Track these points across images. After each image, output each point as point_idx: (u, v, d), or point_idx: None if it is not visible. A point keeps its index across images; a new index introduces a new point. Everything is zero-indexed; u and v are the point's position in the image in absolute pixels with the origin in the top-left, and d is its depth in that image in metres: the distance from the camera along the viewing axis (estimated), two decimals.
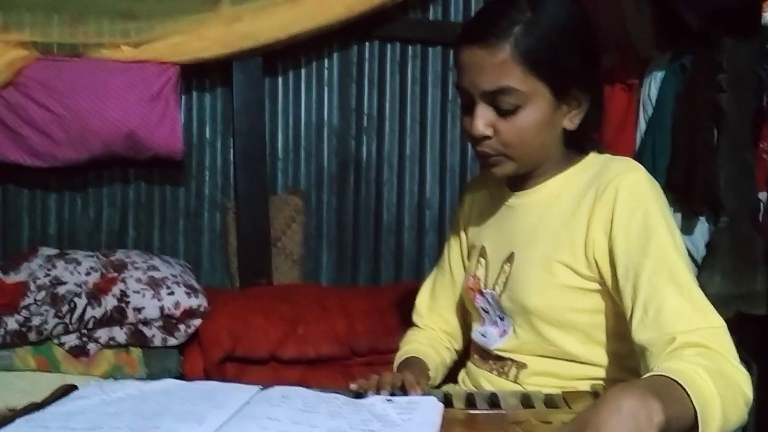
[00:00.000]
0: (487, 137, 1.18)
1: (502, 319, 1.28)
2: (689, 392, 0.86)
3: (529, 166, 1.23)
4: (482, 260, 1.33)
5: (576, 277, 1.18)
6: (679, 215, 2.10)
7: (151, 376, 1.94)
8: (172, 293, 1.97)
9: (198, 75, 2.43)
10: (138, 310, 1.93)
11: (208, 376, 1.93)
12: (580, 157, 1.26)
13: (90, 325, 1.91)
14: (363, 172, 2.61)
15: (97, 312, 1.91)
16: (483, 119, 1.17)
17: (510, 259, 1.26)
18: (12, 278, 1.96)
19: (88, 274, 1.99)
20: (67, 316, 1.89)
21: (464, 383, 1.38)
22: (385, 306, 2.14)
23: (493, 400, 1.06)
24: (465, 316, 1.46)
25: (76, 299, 1.91)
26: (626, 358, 1.18)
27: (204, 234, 2.52)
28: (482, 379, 1.31)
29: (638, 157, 2.17)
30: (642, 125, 2.19)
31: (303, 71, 2.55)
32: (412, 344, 1.43)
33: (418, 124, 2.64)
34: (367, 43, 2.58)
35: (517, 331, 1.25)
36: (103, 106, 2.20)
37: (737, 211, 2.01)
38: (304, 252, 2.56)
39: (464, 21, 2.53)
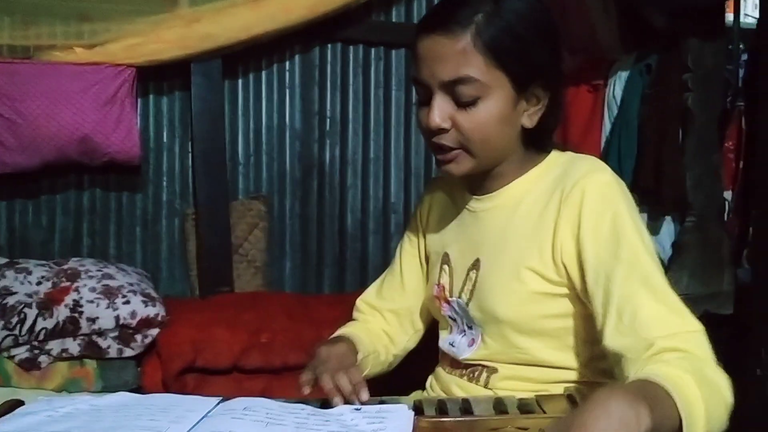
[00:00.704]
0: (445, 130, 1.13)
1: (470, 327, 1.25)
2: (674, 397, 0.84)
3: (487, 163, 1.18)
4: (446, 267, 1.29)
5: (545, 283, 1.15)
6: (645, 215, 2.11)
7: (108, 389, 1.89)
8: (128, 302, 1.91)
9: (155, 77, 2.37)
10: (92, 320, 1.87)
11: (167, 388, 1.88)
12: (541, 156, 1.22)
13: (41, 337, 1.85)
14: (326, 177, 2.58)
15: (49, 323, 1.85)
16: (440, 110, 1.12)
17: (476, 265, 1.23)
18: None
19: (39, 283, 1.94)
20: (17, 328, 1.83)
21: (433, 389, 1.34)
22: (351, 313, 2.10)
23: (466, 407, 1.03)
24: (416, 322, 1.42)
25: (26, 310, 1.85)
26: (598, 360, 1.16)
27: (162, 241, 2.46)
28: (453, 385, 1.27)
29: (604, 158, 2.17)
30: (607, 126, 2.20)
31: (264, 73, 2.51)
32: (346, 328, 1.39)
33: (381, 128, 2.63)
34: (329, 45, 2.56)
35: (486, 340, 1.22)
36: (57, 111, 2.15)
37: (704, 210, 2.02)
38: (267, 259, 2.51)
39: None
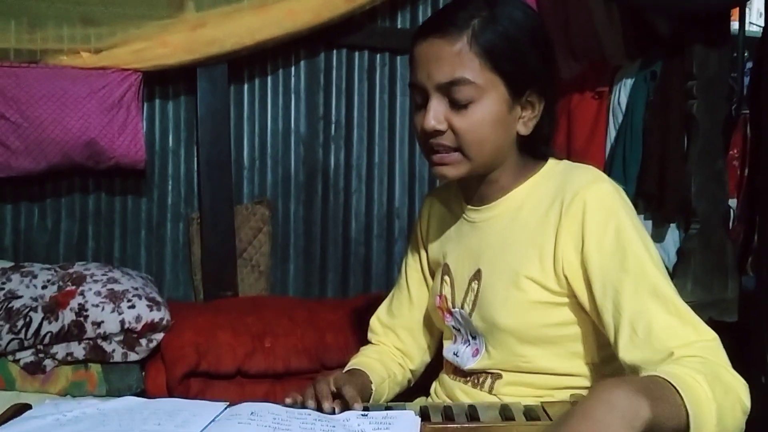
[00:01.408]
0: (440, 132, 1.14)
1: (474, 337, 1.25)
2: (682, 394, 0.85)
3: (482, 167, 1.18)
4: (447, 278, 1.30)
5: (545, 292, 1.15)
6: (649, 222, 2.10)
7: (112, 393, 1.88)
8: (133, 306, 1.91)
9: (161, 82, 2.38)
10: (97, 324, 1.86)
11: (171, 392, 1.88)
12: (538, 165, 1.22)
13: (46, 341, 1.84)
14: (331, 181, 2.58)
15: (54, 327, 1.84)
16: (436, 112, 1.13)
17: (477, 276, 1.23)
18: None
19: (44, 287, 1.93)
20: (23, 331, 1.82)
21: (437, 395, 1.34)
22: (355, 318, 2.10)
23: (472, 413, 1.03)
24: (429, 334, 1.43)
25: (31, 313, 1.84)
26: (602, 366, 1.17)
27: (167, 245, 2.46)
28: (457, 390, 1.27)
29: (609, 164, 2.17)
30: (612, 132, 2.19)
31: (269, 78, 2.51)
32: (358, 358, 1.39)
33: (386, 132, 2.63)
34: (335, 51, 2.57)
35: (489, 350, 1.22)
36: (63, 114, 2.15)
37: (708, 217, 2.01)
38: (271, 263, 2.51)
39: None
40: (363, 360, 1.37)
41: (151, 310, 1.92)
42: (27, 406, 1.01)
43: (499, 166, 1.20)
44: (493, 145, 1.15)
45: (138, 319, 1.89)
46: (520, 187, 1.21)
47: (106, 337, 1.88)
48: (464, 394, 1.25)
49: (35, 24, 2.20)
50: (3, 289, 1.89)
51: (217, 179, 2.39)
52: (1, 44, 2.17)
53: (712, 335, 1.02)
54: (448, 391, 1.30)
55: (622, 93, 2.15)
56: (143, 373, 1.95)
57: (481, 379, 1.24)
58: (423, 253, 1.41)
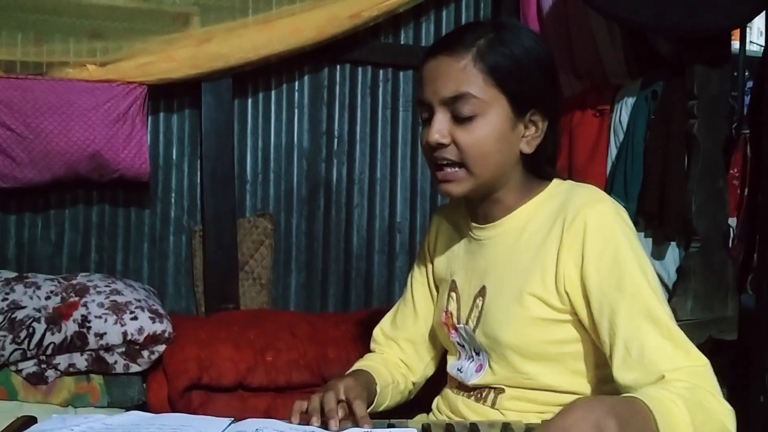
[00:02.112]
0: (444, 145, 1.17)
1: (477, 353, 1.27)
2: (656, 417, 0.89)
3: (485, 183, 1.20)
4: (453, 294, 1.32)
5: (547, 309, 1.17)
6: (650, 240, 2.11)
7: (113, 405, 1.89)
8: (135, 318, 1.91)
9: (166, 96, 2.39)
10: (100, 335, 1.87)
11: (172, 405, 1.88)
12: (542, 185, 1.25)
13: (49, 352, 1.84)
14: (333, 196, 2.59)
15: (57, 338, 1.85)
16: (440, 126, 1.17)
17: (482, 292, 1.25)
18: None
19: (47, 298, 1.93)
20: (25, 342, 1.82)
21: (439, 410, 1.35)
22: (356, 332, 2.11)
23: (473, 431, 1.03)
24: (432, 349, 1.45)
25: (34, 324, 1.84)
26: (603, 384, 1.18)
27: (169, 258, 2.46)
28: (460, 404, 1.29)
29: (610, 182, 2.18)
30: (613, 150, 2.21)
31: (273, 93, 2.53)
32: (364, 361, 1.41)
33: (388, 148, 2.64)
34: (338, 66, 2.58)
35: (493, 366, 1.24)
36: (68, 127, 2.15)
37: (709, 236, 2.03)
38: (273, 276, 2.52)
39: None
40: (369, 363, 1.39)
41: (153, 322, 1.92)
42: (33, 420, 1.02)
43: (503, 185, 1.22)
44: (495, 161, 1.18)
45: (140, 331, 1.89)
46: (524, 206, 1.23)
47: (108, 349, 1.88)
48: (467, 408, 1.27)
49: (42, 37, 2.21)
50: (6, 299, 1.89)
51: (220, 192, 2.40)
52: (8, 57, 2.18)
53: (703, 360, 1.04)
54: (452, 405, 1.31)
55: (623, 112, 2.17)
56: (145, 385, 1.95)
57: (484, 394, 1.25)
58: (429, 268, 1.43)
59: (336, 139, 2.59)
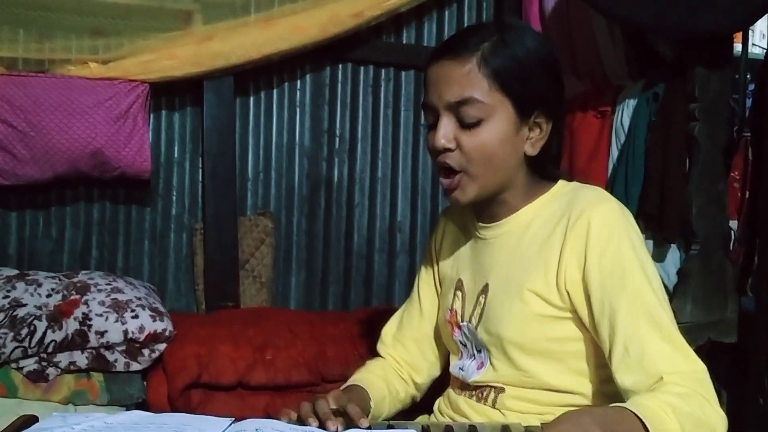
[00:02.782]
0: (449, 149, 1.18)
1: (479, 351, 1.28)
2: (647, 425, 0.91)
3: (490, 187, 1.21)
4: (459, 293, 1.33)
5: (548, 306, 1.17)
6: (650, 242, 2.11)
7: (113, 403, 1.89)
8: (136, 317, 1.91)
9: (168, 93, 2.39)
10: (101, 333, 1.87)
11: (172, 403, 1.88)
12: (547, 185, 1.26)
13: (50, 349, 1.85)
14: (334, 194, 2.60)
15: (58, 335, 1.85)
16: (445, 131, 1.17)
17: (485, 290, 1.26)
18: None
19: (49, 296, 1.94)
20: (26, 340, 1.83)
21: (441, 411, 1.36)
22: (356, 331, 2.11)
23: None
24: (438, 349, 1.45)
25: (35, 322, 1.85)
26: (603, 385, 1.19)
27: (170, 256, 2.47)
28: (462, 403, 1.30)
29: (611, 184, 2.18)
30: (614, 152, 2.21)
31: (275, 92, 2.53)
32: (361, 373, 1.41)
33: (390, 147, 2.65)
34: (340, 65, 2.58)
35: (493, 363, 1.24)
36: (69, 124, 2.16)
37: (709, 239, 2.03)
38: (273, 275, 2.53)
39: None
40: (364, 376, 1.38)
41: (154, 321, 1.92)
42: (34, 418, 1.02)
43: (508, 187, 1.23)
44: (499, 164, 1.19)
45: (141, 329, 1.89)
46: (529, 206, 1.25)
47: (109, 347, 1.89)
48: (469, 407, 1.28)
49: (44, 34, 2.22)
50: (8, 297, 1.90)
51: (221, 191, 2.41)
52: (10, 53, 2.19)
53: (701, 366, 1.06)
54: (453, 404, 1.32)
55: (625, 113, 2.17)
56: (145, 383, 1.95)
57: (485, 393, 1.26)
58: (436, 268, 1.44)
59: (337, 138, 2.60)
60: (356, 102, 2.61)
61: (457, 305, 1.32)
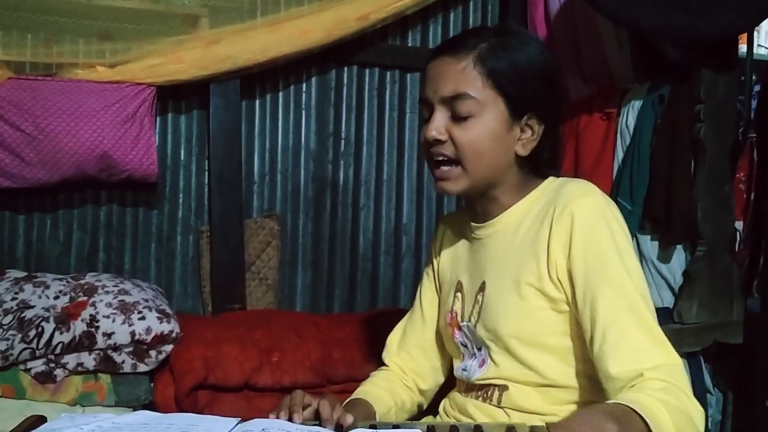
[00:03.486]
0: (440, 141, 1.21)
1: (479, 349, 1.30)
2: (648, 422, 0.95)
3: (480, 181, 1.23)
4: (459, 294, 1.35)
5: (544, 298, 1.20)
6: (656, 243, 2.12)
7: (120, 404, 1.90)
8: (143, 318, 1.92)
9: (174, 97, 2.40)
10: (108, 335, 1.88)
11: (179, 405, 1.89)
12: (537, 182, 1.29)
13: (58, 351, 1.86)
14: (340, 197, 2.61)
15: (66, 337, 1.86)
16: (438, 123, 1.21)
17: (482, 288, 1.28)
18: None
19: (56, 297, 1.95)
20: (34, 341, 1.83)
21: (446, 412, 1.37)
22: (362, 333, 2.12)
23: None
24: (442, 354, 1.46)
25: (43, 324, 1.86)
26: (600, 380, 1.19)
27: (176, 258, 2.47)
28: (468, 404, 1.31)
29: (616, 186, 2.18)
30: (620, 154, 2.21)
31: (281, 95, 2.54)
32: (366, 386, 1.42)
33: (395, 149, 2.65)
34: (345, 68, 2.59)
35: (495, 359, 1.26)
36: (77, 127, 2.17)
37: (714, 240, 2.03)
38: (279, 277, 2.53)
39: None
40: (369, 389, 1.40)
41: (161, 322, 1.93)
42: (42, 419, 1.03)
43: (499, 184, 1.26)
44: (489, 160, 1.21)
45: (148, 330, 1.90)
46: (519, 203, 1.27)
47: (116, 348, 1.90)
48: (474, 407, 1.29)
49: (51, 38, 2.22)
50: (16, 299, 1.91)
51: (227, 193, 2.41)
52: (18, 57, 2.20)
53: (678, 360, 1.09)
54: (459, 406, 1.34)
55: (630, 116, 2.17)
56: (152, 385, 1.96)
57: (489, 393, 1.28)
58: (436, 273, 1.47)
59: (343, 141, 2.60)
60: (362, 104, 2.62)
61: (457, 306, 1.35)
